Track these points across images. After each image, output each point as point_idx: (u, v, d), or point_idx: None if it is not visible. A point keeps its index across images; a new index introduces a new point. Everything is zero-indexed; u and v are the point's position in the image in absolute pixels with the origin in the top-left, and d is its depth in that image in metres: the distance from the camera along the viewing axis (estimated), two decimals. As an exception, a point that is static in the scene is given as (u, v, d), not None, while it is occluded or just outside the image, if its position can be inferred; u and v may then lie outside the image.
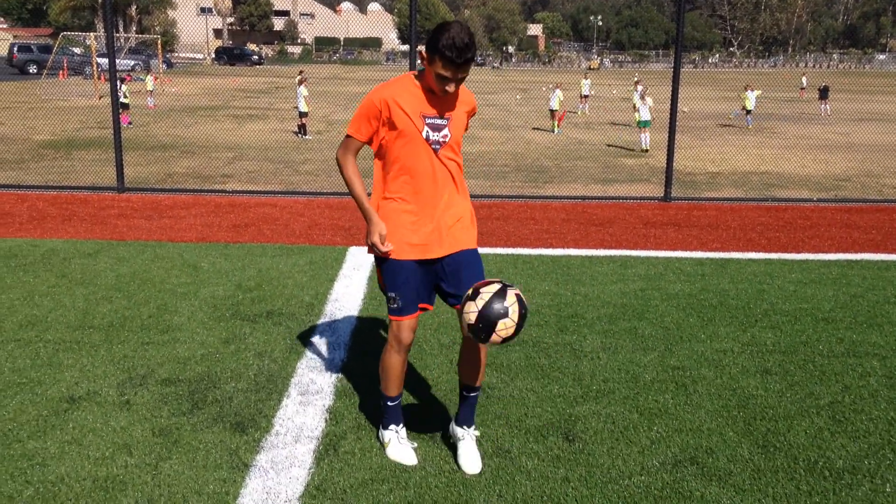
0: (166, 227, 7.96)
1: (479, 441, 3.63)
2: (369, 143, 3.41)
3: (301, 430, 3.74)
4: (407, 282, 3.39)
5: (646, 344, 4.92)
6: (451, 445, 3.58)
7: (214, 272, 6.32)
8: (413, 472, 3.39)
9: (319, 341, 4.89)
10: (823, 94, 27.29)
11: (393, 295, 3.40)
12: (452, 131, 3.38)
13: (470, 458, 3.45)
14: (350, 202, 9.59)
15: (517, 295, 3.09)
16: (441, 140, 3.36)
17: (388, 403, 3.57)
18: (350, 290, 5.92)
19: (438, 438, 3.69)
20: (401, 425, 3.58)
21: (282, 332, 5.04)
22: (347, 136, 3.42)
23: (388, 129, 3.35)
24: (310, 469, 3.40)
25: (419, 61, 3.33)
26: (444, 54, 3.11)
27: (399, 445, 3.54)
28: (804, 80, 37.67)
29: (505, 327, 3.04)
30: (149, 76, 28.48)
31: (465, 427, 3.52)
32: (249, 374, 4.37)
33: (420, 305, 3.46)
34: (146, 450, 3.54)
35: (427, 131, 3.33)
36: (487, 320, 3.03)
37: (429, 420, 3.86)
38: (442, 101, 3.35)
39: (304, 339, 4.93)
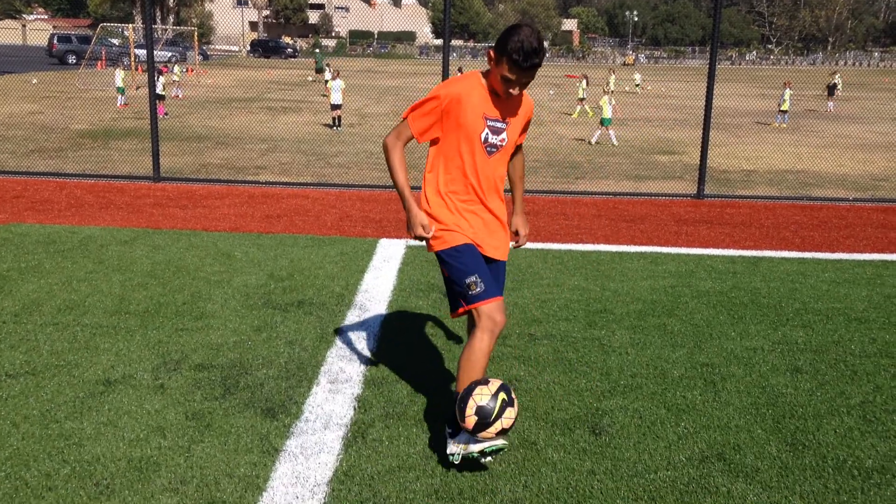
0: (201, 217, 8.08)
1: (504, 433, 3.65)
2: (420, 135, 3.32)
3: (330, 417, 3.80)
4: (480, 263, 3.36)
5: (675, 340, 4.91)
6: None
7: (247, 261, 6.40)
8: (440, 460, 3.43)
9: (349, 331, 4.95)
10: (830, 91, 28.24)
11: (473, 279, 3.29)
12: (510, 136, 3.40)
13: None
14: (381, 195, 9.65)
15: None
16: (498, 144, 3.37)
17: None
18: (380, 282, 5.97)
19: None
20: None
21: (312, 321, 5.10)
22: (403, 121, 3.36)
23: (450, 126, 3.31)
24: (338, 455, 3.46)
25: (487, 60, 3.26)
26: (511, 57, 3.10)
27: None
28: (835, 77, 37.27)
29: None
30: (176, 66, 28.76)
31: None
32: (280, 362, 4.43)
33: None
34: (179, 433, 3.61)
35: (486, 133, 3.33)
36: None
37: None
38: (505, 104, 3.35)
39: (334, 328, 4.99)
